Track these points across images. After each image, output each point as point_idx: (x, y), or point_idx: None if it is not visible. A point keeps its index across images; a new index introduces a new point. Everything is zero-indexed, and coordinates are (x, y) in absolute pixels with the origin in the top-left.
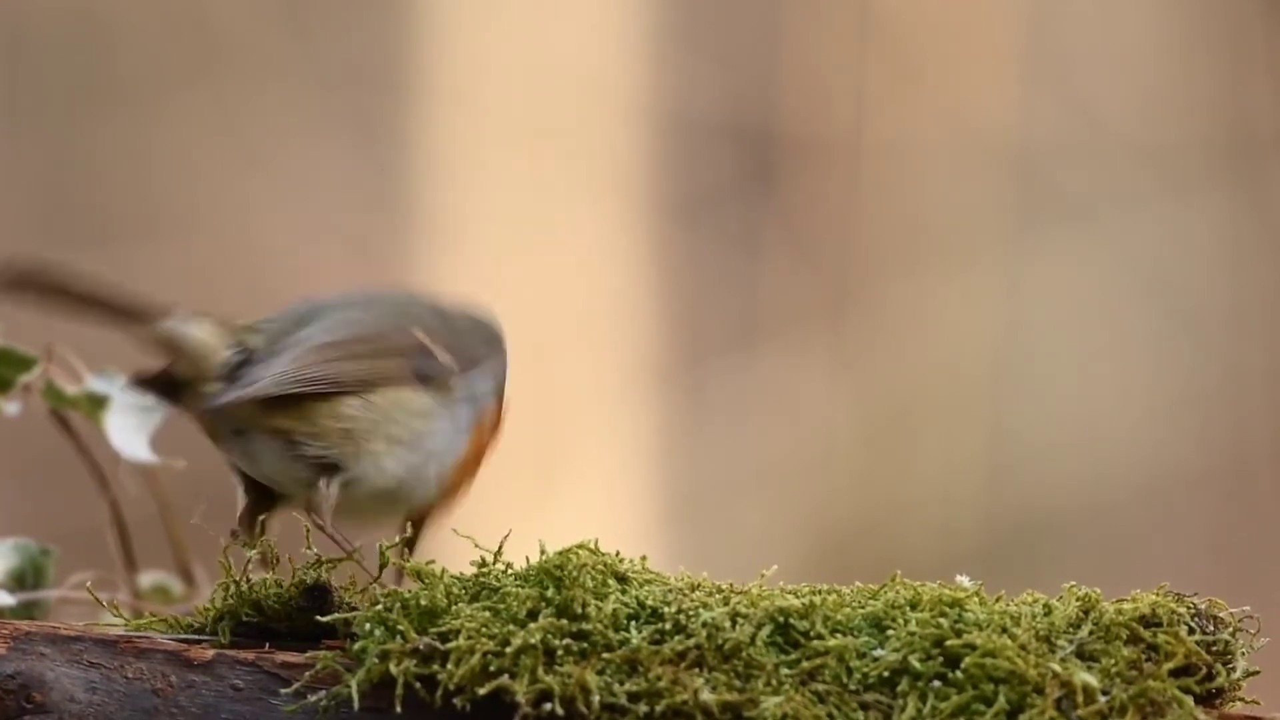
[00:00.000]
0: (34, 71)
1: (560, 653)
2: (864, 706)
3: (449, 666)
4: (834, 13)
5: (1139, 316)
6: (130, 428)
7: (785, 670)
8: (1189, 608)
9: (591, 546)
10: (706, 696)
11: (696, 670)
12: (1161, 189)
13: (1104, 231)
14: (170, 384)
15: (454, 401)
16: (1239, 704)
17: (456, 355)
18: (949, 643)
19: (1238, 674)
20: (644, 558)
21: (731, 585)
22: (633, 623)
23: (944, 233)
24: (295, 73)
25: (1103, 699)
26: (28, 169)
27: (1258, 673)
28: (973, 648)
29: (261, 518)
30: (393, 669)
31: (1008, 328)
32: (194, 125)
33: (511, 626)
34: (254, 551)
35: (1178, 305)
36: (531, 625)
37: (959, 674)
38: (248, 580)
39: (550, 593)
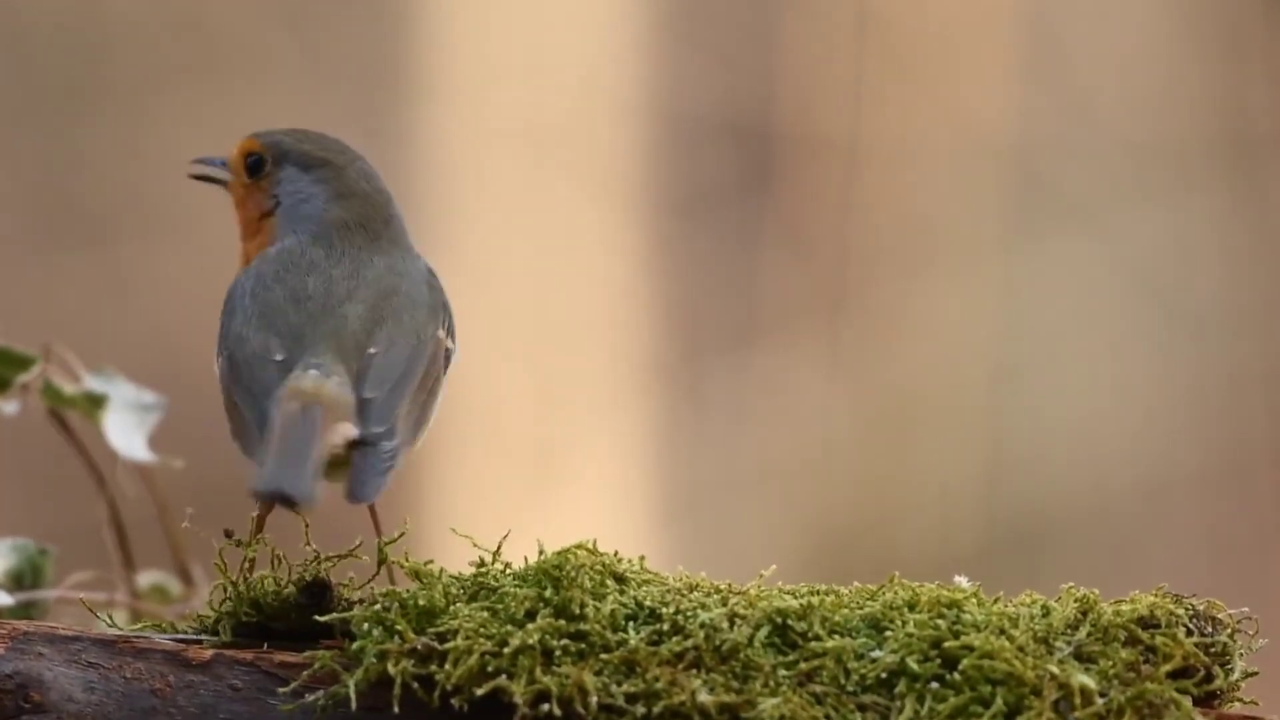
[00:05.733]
0: (32, 70)
1: (558, 653)
2: (861, 708)
3: (447, 667)
4: (832, 11)
5: (1137, 316)
6: (128, 427)
7: (783, 671)
8: (1187, 609)
9: (590, 546)
10: (704, 698)
11: (694, 671)
12: (1160, 188)
13: (1102, 231)
14: None
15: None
16: (1237, 704)
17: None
18: (947, 644)
19: (1236, 675)
20: (642, 558)
21: (730, 585)
22: (631, 623)
23: (942, 231)
24: (293, 71)
25: (1100, 701)
26: (25, 168)
27: (1256, 674)
28: (970, 649)
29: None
30: (390, 669)
31: (1006, 326)
32: (192, 124)
33: (509, 627)
34: (252, 551)
35: (1176, 304)
36: (529, 626)
37: (957, 676)
38: (245, 580)
39: (548, 593)
